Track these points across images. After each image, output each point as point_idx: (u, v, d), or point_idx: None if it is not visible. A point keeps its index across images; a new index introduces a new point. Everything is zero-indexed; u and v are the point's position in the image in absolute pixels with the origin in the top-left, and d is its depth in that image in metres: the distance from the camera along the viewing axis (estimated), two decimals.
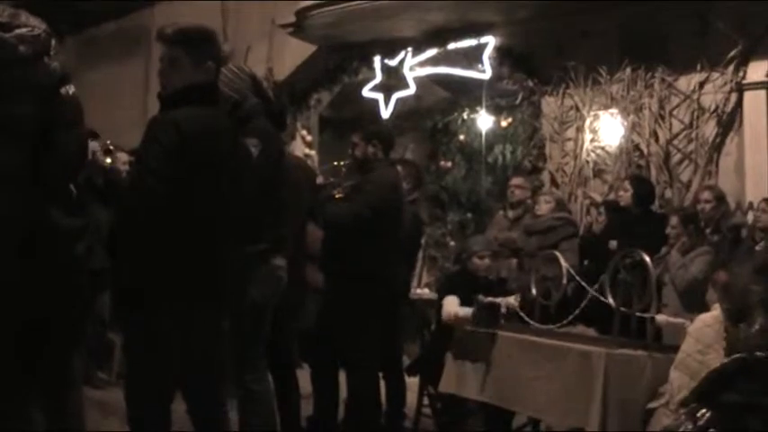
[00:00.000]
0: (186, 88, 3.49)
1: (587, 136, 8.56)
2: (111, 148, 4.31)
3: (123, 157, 6.07)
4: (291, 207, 4.43)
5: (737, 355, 3.40)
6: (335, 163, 6.00)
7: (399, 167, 5.92)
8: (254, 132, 3.93)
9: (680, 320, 4.81)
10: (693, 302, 5.68)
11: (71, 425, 3.55)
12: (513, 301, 5.53)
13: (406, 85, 9.49)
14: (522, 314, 5.28)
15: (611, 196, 7.85)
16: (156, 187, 3.28)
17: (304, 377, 5.36)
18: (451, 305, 5.62)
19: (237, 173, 3.57)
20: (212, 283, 3.44)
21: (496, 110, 9.91)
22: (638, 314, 4.62)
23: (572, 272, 5.24)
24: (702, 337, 4.17)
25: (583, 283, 5.05)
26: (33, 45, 3.08)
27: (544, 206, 7.15)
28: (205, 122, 3.47)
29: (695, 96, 8.02)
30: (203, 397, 3.59)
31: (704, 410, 3.26)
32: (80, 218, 3.33)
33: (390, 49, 9.60)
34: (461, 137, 10.68)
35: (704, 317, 4.38)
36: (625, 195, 7.01)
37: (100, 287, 4.10)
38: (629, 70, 8.28)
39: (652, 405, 4.22)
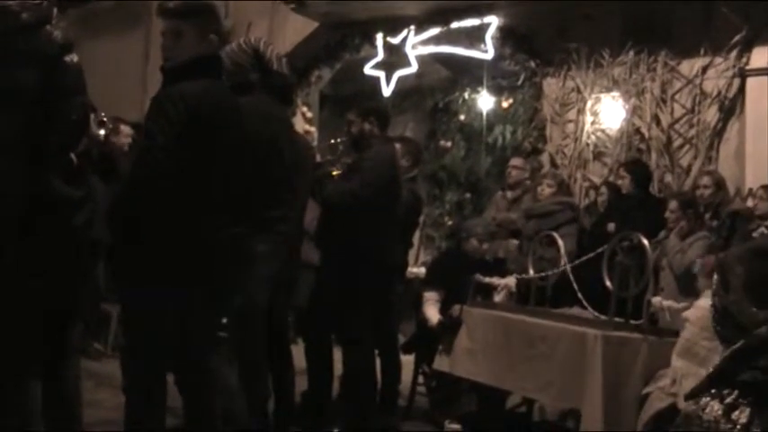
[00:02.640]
0: (190, 61, 3.46)
1: (588, 118, 8.55)
2: (104, 119, 4.26)
3: (126, 130, 6.03)
4: (297, 186, 4.39)
5: (757, 332, 3.36)
6: (332, 141, 5.98)
7: (398, 145, 5.90)
8: (247, 107, 3.86)
9: (676, 305, 4.80)
10: (690, 287, 5.67)
11: (67, 393, 3.58)
12: (511, 281, 5.55)
13: (407, 64, 9.45)
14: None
15: (612, 179, 7.85)
16: (165, 162, 3.27)
17: (299, 353, 5.37)
18: (431, 311, 5.66)
19: (241, 148, 3.56)
20: (213, 259, 3.44)
21: (498, 90, 9.87)
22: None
23: (565, 258, 5.23)
24: (707, 323, 4.14)
25: (571, 277, 5.02)
26: (35, 13, 3.08)
27: (546, 190, 7.13)
28: (212, 96, 3.46)
29: (697, 81, 8.00)
30: (195, 369, 3.60)
31: (729, 390, 3.24)
32: (81, 188, 3.33)
33: (393, 26, 9.56)
34: (462, 116, 10.63)
35: (704, 303, 4.36)
36: (624, 182, 7.01)
37: (96, 258, 4.08)
38: (631, 53, 8.27)
39: (649, 389, 4.22)
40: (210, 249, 3.43)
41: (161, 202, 3.30)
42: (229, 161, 3.52)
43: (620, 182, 7.19)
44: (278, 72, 4.34)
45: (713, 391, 3.30)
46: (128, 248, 3.40)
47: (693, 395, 3.45)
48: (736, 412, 3.18)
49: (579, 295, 4.87)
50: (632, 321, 4.53)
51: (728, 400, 3.21)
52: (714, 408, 3.24)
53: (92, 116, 3.78)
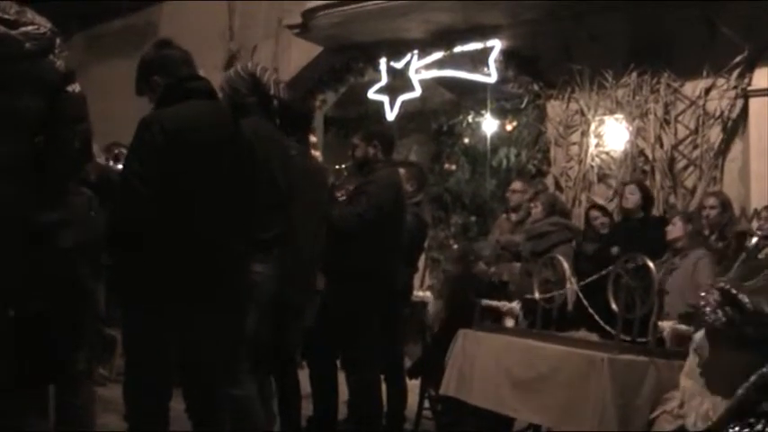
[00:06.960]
0: (168, 85, 3.55)
1: (592, 140, 8.55)
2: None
3: None
4: (294, 208, 4.34)
5: None
6: (337, 166, 6.01)
7: (403, 169, 5.92)
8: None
9: (683, 327, 4.78)
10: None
11: (76, 419, 3.58)
12: (515, 305, 5.53)
13: (411, 88, 9.48)
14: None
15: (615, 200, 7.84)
16: (140, 189, 3.29)
17: (304, 377, 5.36)
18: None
19: (231, 168, 3.55)
20: (202, 281, 3.41)
21: (501, 113, 9.91)
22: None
23: (571, 280, 5.21)
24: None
25: (581, 295, 4.99)
26: (39, 42, 3.12)
27: (533, 211, 7.16)
28: (194, 115, 3.47)
29: (701, 102, 8.00)
30: (201, 396, 3.58)
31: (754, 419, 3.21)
32: (57, 210, 3.35)
33: (396, 50, 9.59)
34: (466, 139, 10.68)
35: None
36: (631, 199, 7.01)
37: (97, 282, 4.10)
38: (634, 75, 8.27)
39: (657, 413, 4.19)
40: (204, 269, 3.41)
41: (141, 227, 3.31)
42: (219, 178, 3.50)
43: (627, 197, 7.17)
44: (275, 96, 4.34)
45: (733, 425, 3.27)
46: (118, 272, 3.42)
47: (716, 430, 3.42)
48: None
49: (591, 311, 4.85)
50: (639, 341, 4.52)
51: (758, 427, 3.17)
52: None
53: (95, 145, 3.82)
